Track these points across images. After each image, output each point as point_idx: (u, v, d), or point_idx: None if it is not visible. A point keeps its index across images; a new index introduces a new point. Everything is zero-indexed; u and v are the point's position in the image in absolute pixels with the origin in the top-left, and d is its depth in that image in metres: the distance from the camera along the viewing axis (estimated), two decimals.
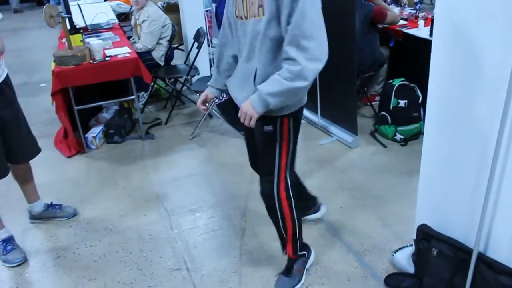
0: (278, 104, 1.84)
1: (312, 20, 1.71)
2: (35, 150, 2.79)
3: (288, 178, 2.17)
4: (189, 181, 3.43)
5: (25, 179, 2.86)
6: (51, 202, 3.07)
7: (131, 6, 7.70)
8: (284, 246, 2.35)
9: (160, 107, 4.82)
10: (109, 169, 3.66)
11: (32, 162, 2.81)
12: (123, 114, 4.22)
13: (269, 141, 2.07)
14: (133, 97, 3.95)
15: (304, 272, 2.40)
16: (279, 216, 2.22)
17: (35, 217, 3.02)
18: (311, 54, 1.73)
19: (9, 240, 2.72)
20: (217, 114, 4.29)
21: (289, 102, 1.92)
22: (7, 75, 2.51)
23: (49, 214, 3.03)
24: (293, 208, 2.21)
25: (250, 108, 1.86)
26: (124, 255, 2.67)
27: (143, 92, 4.77)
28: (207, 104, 2.35)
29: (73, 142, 3.87)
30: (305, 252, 2.42)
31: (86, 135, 3.93)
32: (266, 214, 2.28)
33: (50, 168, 3.66)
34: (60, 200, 3.14)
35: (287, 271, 2.37)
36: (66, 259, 2.67)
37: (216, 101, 3.87)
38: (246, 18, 1.91)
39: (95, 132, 3.98)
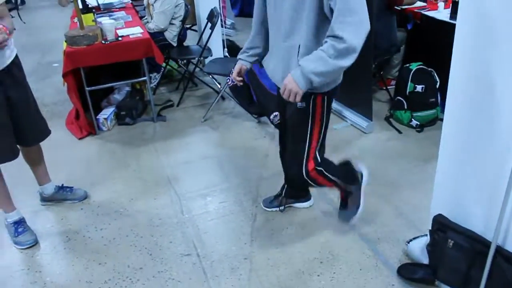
0: (321, 82, 1.84)
1: None
2: (45, 132, 2.77)
3: (318, 157, 2.20)
4: (201, 165, 3.40)
5: (36, 161, 2.85)
6: (62, 184, 3.06)
7: None
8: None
9: (172, 89, 4.77)
10: (120, 151, 3.64)
11: (43, 144, 2.79)
12: (135, 95, 4.18)
13: (301, 118, 2.07)
14: (145, 78, 3.91)
15: (361, 197, 2.46)
16: (318, 186, 2.34)
17: (46, 199, 3.02)
18: (356, 31, 1.71)
19: (21, 222, 2.72)
20: (230, 96, 4.23)
21: (331, 79, 1.93)
22: (16, 55, 2.47)
23: (60, 196, 3.02)
24: (329, 176, 2.27)
25: (294, 85, 1.85)
26: (134, 239, 2.65)
27: (155, 73, 4.72)
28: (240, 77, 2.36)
29: (85, 124, 3.84)
30: (352, 186, 2.45)
31: (97, 117, 3.91)
32: None
33: (61, 149, 3.65)
34: (71, 183, 3.13)
35: (342, 206, 2.56)
36: (76, 242, 2.67)
37: (229, 83, 3.81)
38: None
39: (106, 113, 3.95)
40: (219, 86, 4.27)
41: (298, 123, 2.11)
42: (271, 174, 3.18)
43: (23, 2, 10.05)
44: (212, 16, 4.46)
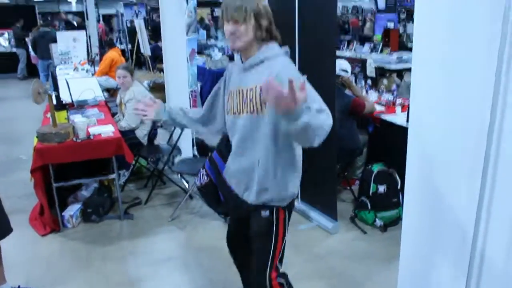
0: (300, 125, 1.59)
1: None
2: (7, 229, 2.72)
3: (279, 266, 2.21)
4: (167, 266, 3.34)
5: None
6: (19, 286, 2.94)
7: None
8: None
9: (141, 186, 4.79)
10: (84, 249, 3.56)
11: (2, 241, 2.72)
12: (103, 192, 4.18)
13: (265, 229, 2.11)
14: (114, 176, 3.94)
15: None
16: None
17: None
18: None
19: None
20: (198, 196, 4.27)
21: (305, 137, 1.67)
22: None
23: None
24: None
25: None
26: None
27: (124, 170, 4.76)
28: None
29: (49, 220, 3.78)
30: None
31: (63, 213, 3.86)
32: None
33: (21, 247, 3.55)
34: (30, 283, 3.03)
35: None
36: None
37: (197, 183, 3.86)
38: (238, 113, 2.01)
39: (72, 210, 3.90)
40: (187, 186, 4.33)
41: (262, 234, 2.14)
42: (237, 275, 3.15)
43: None
44: None
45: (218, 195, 3.85)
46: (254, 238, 2.21)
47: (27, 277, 3.13)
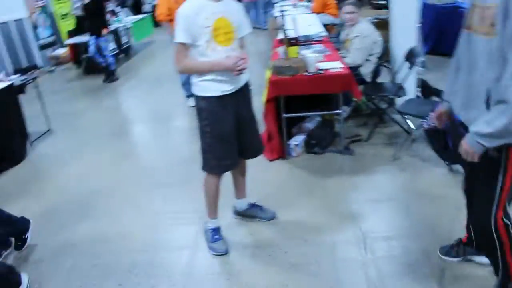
0: (498, 143, 1.83)
1: None
2: (261, 148, 3.08)
3: (508, 209, 2.09)
4: (387, 206, 3.34)
5: (241, 175, 3.14)
6: (255, 202, 3.28)
7: (336, 19, 7.87)
8: (497, 271, 2.25)
9: (360, 123, 4.79)
10: (308, 178, 3.78)
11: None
12: (326, 126, 4.31)
13: (491, 169, 2.00)
14: (339, 111, 4.00)
15: None
16: (498, 248, 2.13)
17: (238, 213, 3.27)
18: None
19: (218, 230, 3.01)
20: (421, 138, 4.08)
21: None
22: (247, 78, 2.83)
23: (251, 213, 3.25)
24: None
25: (469, 149, 1.90)
26: (316, 269, 2.71)
27: (345, 106, 4.80)
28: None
29: (277, 147, 4.08)
30: None
31: (288, 142, 4.11)
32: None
33: (253, 168, 3.91)
34: (261, 201, 3.34)
35: None
36: (261, 259, 2.84)
37: (425, 125, 3.68)
38: (473, 30, 1.90)
39: (297, 140, 4.14)
40: (412, 126, 4.16)
41: (487, 175, 2.03)
42: (462, 229, 2.98)
43: None
44: (411, 55, 4.38)
45: (446, 141, 3.64)
46: (477, 179, 2.13)
47: (259, 195, 3.46)
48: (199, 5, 2.56)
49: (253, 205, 3.27)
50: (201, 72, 2.66)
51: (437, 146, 3.77)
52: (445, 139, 3.64)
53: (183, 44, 2.59)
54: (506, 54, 1.71)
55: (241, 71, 2.59)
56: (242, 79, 2.75)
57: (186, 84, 5.75)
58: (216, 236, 3.00)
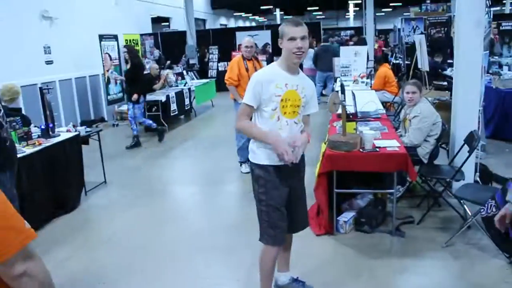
0: None
1: None
2: (307, 220, 3.06)
3: None
4: None
5: (287, 247, 3.09)
6: (297, 277, 3.19)
7: (394, 96, 7.91)
8: None
9: (414, 205, 4.64)
10: (355, 257, 3.66)
11: None
12: (378, 205, 4.21)
13: None
14: (392, 190, 3.92)
15: None
16: None
17: (278, 287, 3.18)
18: None
19: None
20: (479, 226, 3.89)
21: None
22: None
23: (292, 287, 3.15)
24: None
25: None
26: None
27: (399, 186, 4.70)
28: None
29: (325, 222, 4.00)
30: None
31: (338, 218, 4.04)
32: None
33: (300, 242, 3.84)
34: (304, 277, 3.25)
35: None
36: None
37: (483, 213, 3.53)
38: None
39: (347, 216, 4.06)
40: (469, 213, 3.99)
41: None
42: None
43: None
44: (472, 139, 4.28)
45: (507, 229, 3.45)
46: None
47: (302, 270, 3.37)
48: (274, 73, 2.70)
49: (295, 280, 3.18)
50: (254, 137, 2.75)
51: (496, 235, 3.59)
52: (506, 228, 3.47)
53: (248, 105, 2.70)
54: None
55: (292, 162, 2.63)
56: (300, 154, 2.73)
57: (242, 150, 5.87)
58: None
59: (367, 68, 9.67)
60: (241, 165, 6.05)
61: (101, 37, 9.54)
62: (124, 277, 3.51)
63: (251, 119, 2.79)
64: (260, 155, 2.73)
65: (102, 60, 9.58)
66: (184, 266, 3.67)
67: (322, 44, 12.33)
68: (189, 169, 6.60)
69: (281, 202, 2.75)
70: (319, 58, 11.46)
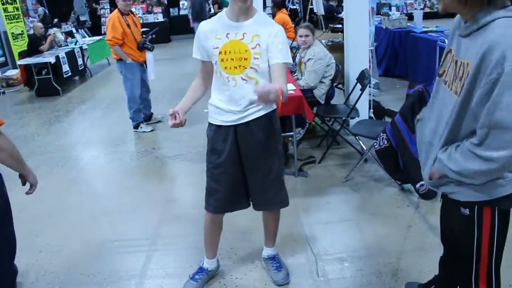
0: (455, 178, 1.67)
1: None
2: (269, 203, 2.71)
3: (494, 282, 1.82)
4: (339, 227, 3.34)
5: (266, 223, 2.87)
6: (275, 255, 2.92)
7: (292, 41, 7.99)
8: None
9: (314, 145, 4.83)
10: None
11: None
12: None
13: (464, 228, 1.77)
14: (291, 133, 4.01)
15: None
16: None
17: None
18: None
19: (202, 271, 2.78)
20: (374, 159, 4.14)
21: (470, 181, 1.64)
22: None
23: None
24: None
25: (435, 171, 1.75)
26: None
27: (299, 128, 4.83)
28: None
29: None
30: None
31: None
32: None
33: None
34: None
35: None
36: None
37: (376, 146, 3.74)
38: (447, 86, 1.71)
39: None
40: (364, 148, 4.21)
41: (461, 234, 1.81)
42: (413, 248, 3.00)
43: None
44: (363, 78, 4.47)
45: (397, 160, 3.70)
46: (451, 234, 1.94)
47: None
48: (217, 22, 2.35)
49: (272, 258, 2.89)
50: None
51: (388, 166, 3.85)
52: (396, 159, 3.72)
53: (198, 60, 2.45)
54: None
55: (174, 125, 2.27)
56: (250, 112, 2.37)
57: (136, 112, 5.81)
58: (196, 276, 2.73)
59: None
60: (139, 125, 5.88)
61: None
62: (29, 249, 3.29)
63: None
64: (209, 113, 2.47)
65: None
66: (90, 231, 3.53)
67: None
68: (87, 133, 6.26)
69: (218, 165, 2.45)
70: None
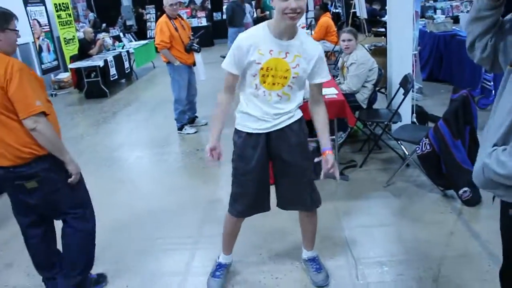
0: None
1: None
2: (301, 203, 2.81)
3: None
4: (380, 231, 3.34)
5: (304, 228, 2.94)
6: (315, 257, 2.97)
7: (335, 45, 7.98)
8: None
9: (356, 149, 4.83)
10: None
11: None
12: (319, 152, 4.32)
13: None
14: (333, 137, 4.03)
15: None
16: None
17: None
18: None
19: (222, 266, 2.89)
20: (416, 164, 4.10)
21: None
22: None
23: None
24: None
25: None
26: None
27: (341, 132, 4.84)
28: None
29: None
30: None
31: None
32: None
33: None
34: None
35: None
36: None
37: (418, 151, 3.72)
38: None
39: None
40: (406, 152, 4.19)
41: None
42: (455, 255, 2.97)
43: None
44: (406, 82, 4.44)
45: (440, 165, 3.67)
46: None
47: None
48: (259, 36, 2.32)
49: (311, 260, 2.93)
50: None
51: (431, 172, 3.81)
52: (439, 164, 3.69)
53: (228, 72, 2.42)
54: None
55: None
56: (282, 119, 2.45)
57: (182, 113, 5.96)
58: (218, 273, 2.86)
59: (306, 18, 9.68)
60: (183, 127, 6.04)
61: (26, 2, 8.95)
62: None
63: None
64: (237, 120, 2.52)
65: (31, 27, 9.05)
66: (135, 230, 3.67)
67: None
68: (133, 134, 6.49)
69: (245, 172, 2.52)
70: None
